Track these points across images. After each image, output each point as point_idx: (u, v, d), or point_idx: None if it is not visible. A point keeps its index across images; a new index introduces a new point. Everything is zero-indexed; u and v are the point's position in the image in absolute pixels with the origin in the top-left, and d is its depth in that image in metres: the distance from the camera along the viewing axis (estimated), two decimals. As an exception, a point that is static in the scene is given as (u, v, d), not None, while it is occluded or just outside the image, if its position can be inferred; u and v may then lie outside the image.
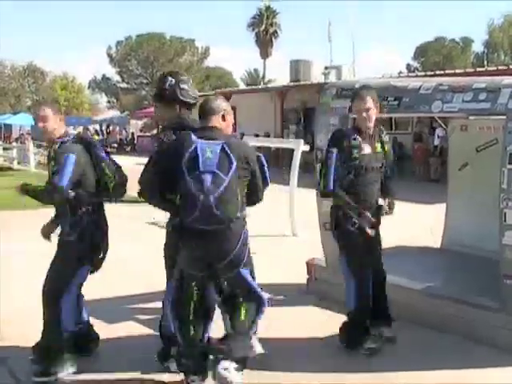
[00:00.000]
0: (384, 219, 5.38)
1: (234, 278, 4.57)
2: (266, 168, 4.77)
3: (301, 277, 7.15)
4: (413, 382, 4.71)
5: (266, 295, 4.77)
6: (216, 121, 4.57)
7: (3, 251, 8.82)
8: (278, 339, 5.48)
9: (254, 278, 4.81)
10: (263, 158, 4.77)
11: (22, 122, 47.82)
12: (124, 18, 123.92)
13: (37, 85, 71.64)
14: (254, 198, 4.69)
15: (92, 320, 5.49)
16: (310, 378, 4.89)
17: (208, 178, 4.29)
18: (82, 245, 4.94)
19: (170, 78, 4.91)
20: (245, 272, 4.60)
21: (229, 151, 4.37)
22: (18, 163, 27.50)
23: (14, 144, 34.67)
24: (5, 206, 13.70)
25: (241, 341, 4.69)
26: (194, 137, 4.41)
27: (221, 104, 4.66)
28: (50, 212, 5.10)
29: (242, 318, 4.63)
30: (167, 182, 4.49)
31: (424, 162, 21.56)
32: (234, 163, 4.36)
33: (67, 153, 4.84)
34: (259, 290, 4.69)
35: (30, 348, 5.15)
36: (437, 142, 20.21)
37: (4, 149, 33.32)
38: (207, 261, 4.44)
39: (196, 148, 4.34)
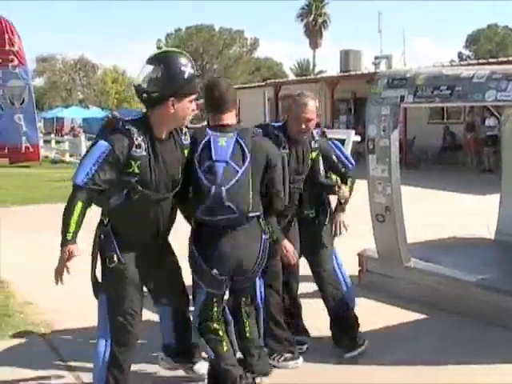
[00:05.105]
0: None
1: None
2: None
3: (353, 269, 6.95)
4: (462, 381, 4.62)
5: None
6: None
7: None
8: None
9: None
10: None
11: (73, 115, 48.73)
12: (173, 10, 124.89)
13: (88, 78, 72.64)
14: (272, 203, 4.25)
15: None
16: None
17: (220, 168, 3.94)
18: None
19: None
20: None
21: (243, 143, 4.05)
22: (70, 156, 27.68)
23: (66, 137, 35.02)
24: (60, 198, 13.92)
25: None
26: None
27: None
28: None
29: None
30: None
31: (476, 152, 21.21)
32: (249, 156, 4.00)
33: None
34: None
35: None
36: (490, 131, 19.74)
37: (56, 142, 33.69)
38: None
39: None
